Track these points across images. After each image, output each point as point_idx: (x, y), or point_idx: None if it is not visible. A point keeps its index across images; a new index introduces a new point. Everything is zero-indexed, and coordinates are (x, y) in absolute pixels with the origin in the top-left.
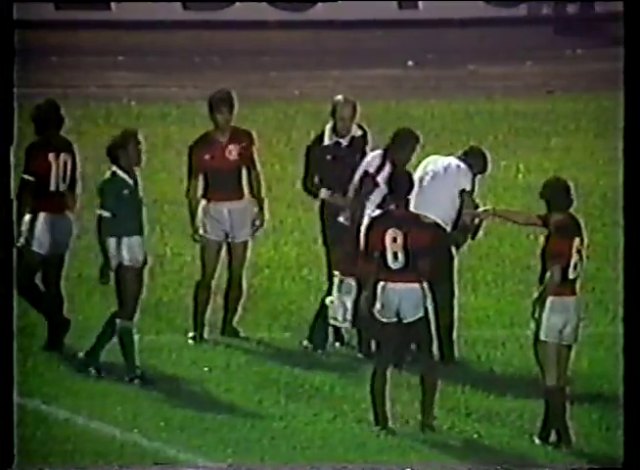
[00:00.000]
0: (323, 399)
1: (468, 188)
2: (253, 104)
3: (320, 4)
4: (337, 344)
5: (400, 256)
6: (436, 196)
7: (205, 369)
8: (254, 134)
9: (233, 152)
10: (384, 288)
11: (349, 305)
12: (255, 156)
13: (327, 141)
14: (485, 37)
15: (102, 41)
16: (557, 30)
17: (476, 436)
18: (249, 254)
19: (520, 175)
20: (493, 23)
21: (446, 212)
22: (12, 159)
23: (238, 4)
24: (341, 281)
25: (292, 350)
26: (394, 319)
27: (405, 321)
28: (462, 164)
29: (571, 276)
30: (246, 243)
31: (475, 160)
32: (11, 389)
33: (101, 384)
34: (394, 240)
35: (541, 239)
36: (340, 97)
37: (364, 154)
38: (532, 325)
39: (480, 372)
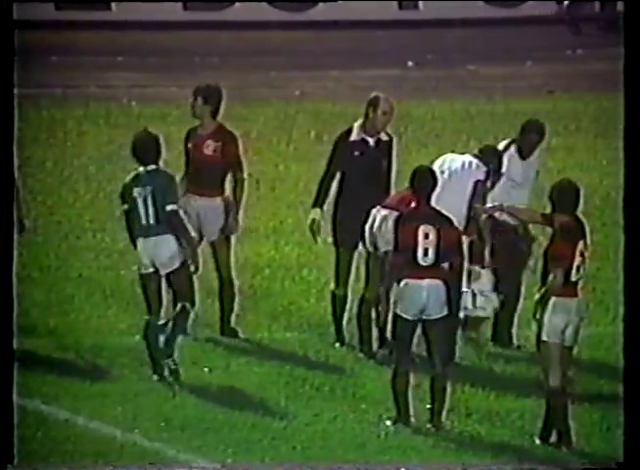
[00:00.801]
0: (323, 400)
1: (482, 179)
2: (254, 104)
3: (320, 4)
4: (337, 344)
5: (431, 252)
6: (452, 196)
7: (206, 369)
8: (252, 136)
9: (210, 147)
10: (411, 284)
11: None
12: (243, 160)
13: (355, 137)
14: (486, 38)
15: (102, 41)
16: (572, 30)
17: (476, 436)
18: (237, 253)
19: None
20: (494, 23)
21: (461, 212)
22: (15, 159)
23: (238, 4)
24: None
25: (292, 350)
26: (417, 317)
27: (429, 319)
28: (476, 161)
29: (573, 278)
30: (223, 242)
31: (490, 157)
32: (11, 389)
33: (100, 384)
34: (426, 236)
35: (542, 239)
36: (379, 93)
37: (391, 160)
38: (534, 326)
39: (479, 372)
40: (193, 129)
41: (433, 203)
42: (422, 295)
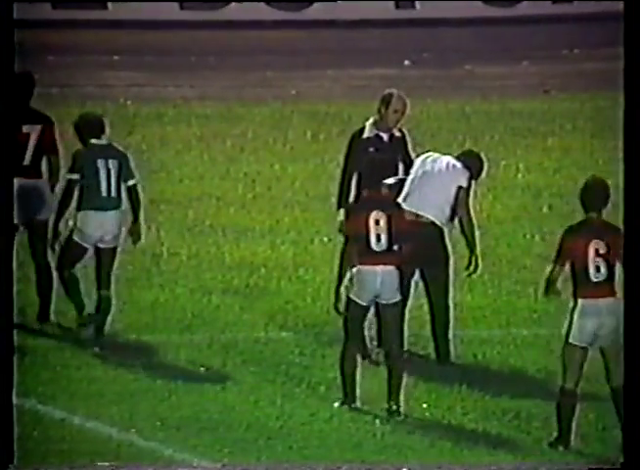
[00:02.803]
0: (319, 399)
1: (464, 185)
2: (250, 103)
3: (316, 4)
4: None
5: (383, 238)
6: (433, 193)
7: (202, 369)
8: (248, 135)
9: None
10: (364, 270)
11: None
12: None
13: (368, 134)
14: (482, 37)
15: (98, 41)
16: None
17: (472, 435)
18: (233, 252)
19: (519, 175)
20: (490, 22)
21: (442, 210)
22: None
23: (234, 4)
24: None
25: (288, 349)
26: (372, 302)
27: (382, 303)
28: (459, 164)
29: (593, 279)
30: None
31: (471, 162)
32: (11, 389)
33: (97, 384)
34: (377, 222)
35: (537, 239)
36: (393, 90)
37: (406, 155)
38: (565, 327)
39: (476, 372)
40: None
41: (415, 199)
42: (376, 280)
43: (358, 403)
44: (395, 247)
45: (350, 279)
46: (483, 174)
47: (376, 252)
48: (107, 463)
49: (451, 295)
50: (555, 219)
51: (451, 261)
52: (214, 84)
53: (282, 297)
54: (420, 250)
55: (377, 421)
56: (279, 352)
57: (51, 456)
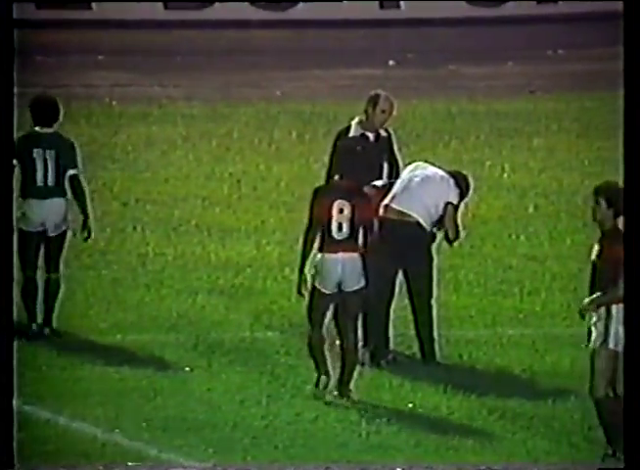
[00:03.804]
0: (305, 399)
1: (454, 202)
2: (235, 104)
3: (301, 3)
4: None
5: (345, 226)
6: (423, 196)
7: (187, 369)
8: (233, 136)
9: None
10: (326, 258)
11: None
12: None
13: (354, 133)
14: (467, 37)
15: (83, 41)
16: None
17: (457, 435)
18: (219, 252)
19: (505, 175)
20: (475, 23)
21: (429, 214)
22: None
23: (219, 4)
24: None
25: (274, 349)
26: (335, 290)
27: (345, 291)
28: (451, 180)
29: (620, 283)
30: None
31: (461, 181)
32: (11, 393)
33: (82, 384)
34: (341, 211)
35: (522, 239)
36: (380, 91)
37: (392, 155)
38: (593, 334)
39: (461, 371)
40: None
41: (404, 199)
42: (337, 268)
43: (332, 383)
44: (361, 235)
45: (315, 267)
46: (469, 173)
47: (337, 240)
48: (92, 464)
49: (435, 295)
50: (540, 219)
51: (435, 262)
52: (200, 84)
53: (267, 297)
54: (404, 249)
55: (363, 421)
56: (265, 351)
57: (36, 457)
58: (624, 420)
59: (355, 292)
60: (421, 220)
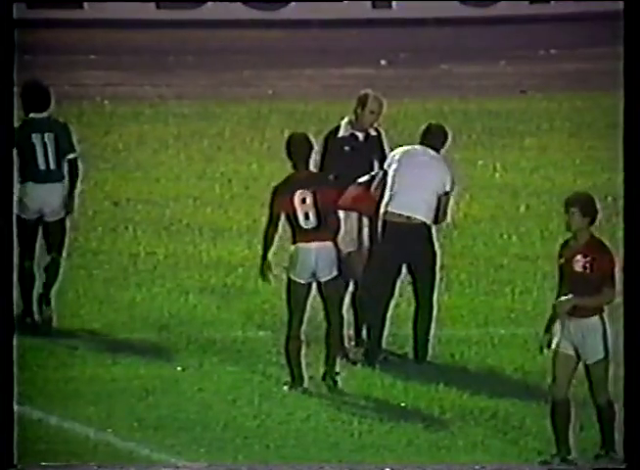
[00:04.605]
0: (296, 399)
1: (449, 189)
2: (227, 103)
3: (293, 3)
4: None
5: (312, 216)
6: (421, 194)
7: (179, 368)
8: (225, 135)
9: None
10: (299, 248)
11: None
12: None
13: (343, 133)
14: (459, 37)
15: (75, 40)
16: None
17: (449, 434)
18: (210, 251)
19: (497, 174)
20: (467, 22)
21: (430, 209)
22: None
23: (211, 3)
24: None
25: (265, 349)
26: (311, 279)
27: (321, 281)
28: (441, 164)
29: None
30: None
31: (437, 140)
32: (11, 394)
33: (74, 384)
34: (304, 201)
35: (514, 238)
36: (369, 91)
37: (382, 154)
38: (591, 344)
39: (453, 371)
40: None
41: (404, 201)
42: (311, 258)
43: (306, 385)
44: (331, 221)
45: (290, 258)
46: (461, 172)
47: (307, 229)
48: (84, 463)
49: (436, 295)
50: (532, 219)
51: (438, 260)
52: (191, 83)
53: (259, 296)
54: (410, 248)
55: (354, 420)
56: (256, 351)
57: (28, 457)
58: (624, 420)
59: (330, 281)
60: (426, 220)
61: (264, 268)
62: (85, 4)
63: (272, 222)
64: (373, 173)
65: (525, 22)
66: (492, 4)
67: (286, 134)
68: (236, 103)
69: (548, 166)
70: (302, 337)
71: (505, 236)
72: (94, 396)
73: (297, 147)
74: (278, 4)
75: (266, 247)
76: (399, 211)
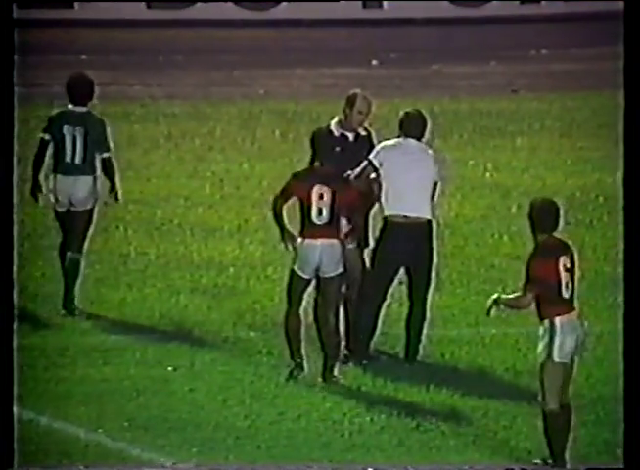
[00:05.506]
0: (288, 398)
1: (438, 179)
2: (218, 102)
3: (284, 3)
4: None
5: (325, 212)
6: (425, 195)
7: (170, 369)
8: (216, 135)
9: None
10: (306, 244)
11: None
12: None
13: (333, 133)
14: (450, 37)
15: (65, 40)
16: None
17: (440, 434)
18: (202, 251)
19: (488, 174)
20: (458, 22)
21: (430, 205)
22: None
23: (201, 3)
24: None
25: (256, 349)
26: (313, 275)
27: (323, 277)
28: (429, 155)
29: (565, 295)
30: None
31: (417, 128)
32: (11, 395)
33: (64, 384)
34: (321, 196)
35: (505, 238)
36: (358, 91)
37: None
38: (540, 348)
39: (444, 371)
40: None
41: (406, 203)
42: (315, 254)
43: (306, 371)
44: (342, 221)
45: (295, 251)
46: (452, 172)
47: (317, 225)
48: (75, 464)
49: (430, 295)
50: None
51: (435, 260)
52: (182, 83)
53: (250, 296)
54: (413, 247)
55: (345, 420)
56: (247, 351)
57: (18, 457)
58: (625, 420)
59: (333, 278)
60: (429, 217)
61: (285, 237)
62: (76, 4)
63: (282, 195)
64: (362, 169)
65: (516, 22)
66: (483, 4)
67: (277, 134)
68: (227, 102)
69: (539, 166)
70: (302, 318)
71: (496, 236)
72: (85, 396)
73: (320, 142)
74: (269, 4)
75: (278, 217)
76: (402, 213)
